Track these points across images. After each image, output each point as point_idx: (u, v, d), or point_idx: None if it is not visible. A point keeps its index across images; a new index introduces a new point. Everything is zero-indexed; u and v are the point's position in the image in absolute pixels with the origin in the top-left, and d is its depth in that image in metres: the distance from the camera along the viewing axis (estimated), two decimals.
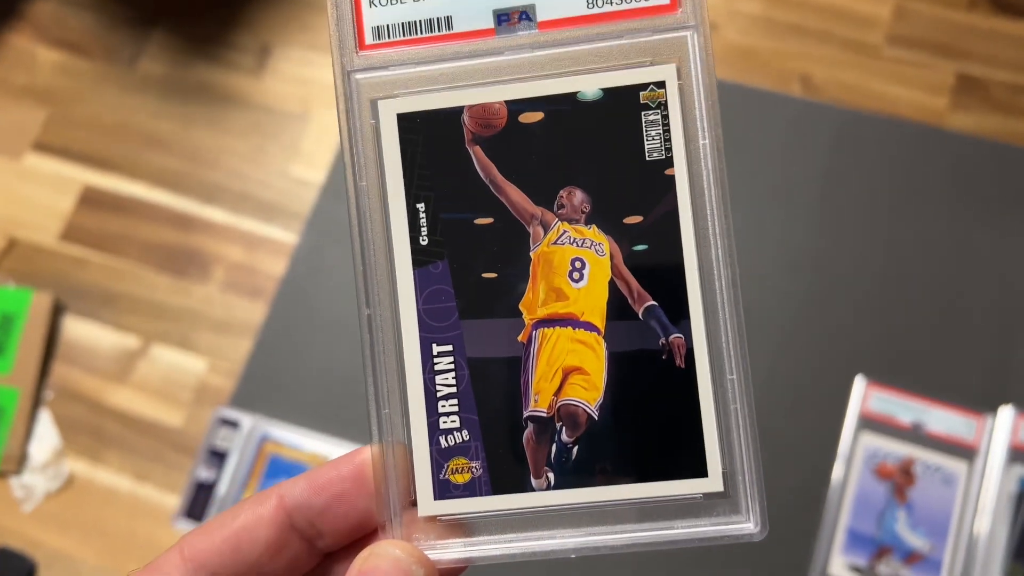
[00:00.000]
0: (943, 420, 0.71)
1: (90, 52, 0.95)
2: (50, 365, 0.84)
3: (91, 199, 0.89)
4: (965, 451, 0.70)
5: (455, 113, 0.25)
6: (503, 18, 0.25)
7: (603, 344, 0.25)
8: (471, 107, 0.25)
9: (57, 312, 0.85)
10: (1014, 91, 0.81)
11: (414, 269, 0.25)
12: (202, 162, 0.89)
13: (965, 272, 0.76)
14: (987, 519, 0.68)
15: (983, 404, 0.71)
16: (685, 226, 0.24)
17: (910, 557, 0.69)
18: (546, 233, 0.25)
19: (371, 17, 0.25)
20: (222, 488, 0.75)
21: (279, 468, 0.75)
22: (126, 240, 0.87)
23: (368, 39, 0.25)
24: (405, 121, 0.25)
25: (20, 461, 0.80)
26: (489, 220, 0.25)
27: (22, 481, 0.80)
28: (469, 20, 0.25)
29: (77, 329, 0.85)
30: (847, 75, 0.83)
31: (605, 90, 0.25)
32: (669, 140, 0.24)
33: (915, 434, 0.71)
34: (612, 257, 0.25)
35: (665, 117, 0.24)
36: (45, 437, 0.81)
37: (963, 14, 0.84)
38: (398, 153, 0.25)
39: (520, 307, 0.25)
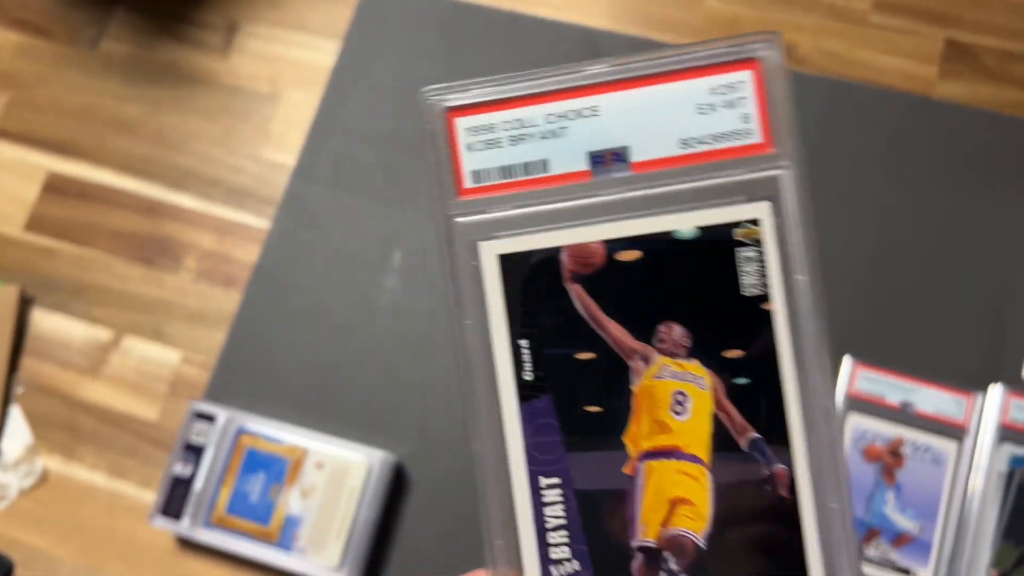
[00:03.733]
0: (932, 400, 0.70)
1: (50, 33, 0.92)
2: (19, 359, 0.82)
3: (56, 187, 0.87)
4: (954, 431, 0.69)
5: (554, 253, 0.26)
6: (597, 160, 0.25)
7: (708, 475, 0.25)
8: (569, 247, 0.26)
9: (25, 305, 0.83)
10: (1005, 58, 0.78)
11: (520, 404, 0.26)
12: (170, 146, 0.86)
13: (954, 247, 0.74)
14: (976, 499, 0.67)
15: (972, 383, 0.69)
16: (785, 360, 0.25)
17: (899, 539, 0.68)
18: (647, 367, 0.25)
19: (469, 162, 0.26)
20: (199, 483, 0.73)
21: (256, 462, 0.74)
22: (94, 229, 0.85)
23: (467, 183, 0.26)
24: (506, 261, 0.26)
25: None
26: (591, 355, 0.25)
27: None
28: (565, 163, 0.25)
29: (46, 322, 0.83)
30: (833, 44, 0.80)
31: (700, 228, 0.25)
32: (765, 276, 0.25)
33: (904, 414, 0.70)
34: (714, 390, 0.25)
35: (760, 254, 0.25)
36: (16, 434, 0.79)
37: None
38: (500, 292, 0.26)
39: (624, 440, 0.26)
